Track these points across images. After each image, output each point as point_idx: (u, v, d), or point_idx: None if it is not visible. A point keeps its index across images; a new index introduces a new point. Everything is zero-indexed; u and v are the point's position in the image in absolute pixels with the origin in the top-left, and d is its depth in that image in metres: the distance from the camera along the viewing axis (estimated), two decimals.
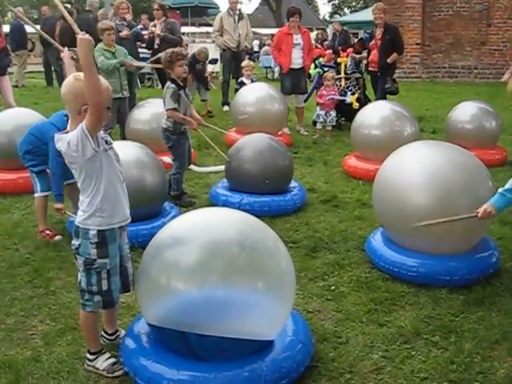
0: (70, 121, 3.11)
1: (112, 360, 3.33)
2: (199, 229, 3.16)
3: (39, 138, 5.17)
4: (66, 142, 3.00)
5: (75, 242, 3.19)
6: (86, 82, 2.86)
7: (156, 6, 11.80)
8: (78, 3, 49.56)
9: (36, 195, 5.36)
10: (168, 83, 6.27)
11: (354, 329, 3.77)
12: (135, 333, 3.33)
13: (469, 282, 4.27)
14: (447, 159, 4.43)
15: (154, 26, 11.61)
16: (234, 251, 3.04)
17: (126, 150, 5.03)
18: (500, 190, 3.95)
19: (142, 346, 3.21)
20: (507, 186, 3.91)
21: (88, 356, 3.36)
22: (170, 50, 6.26)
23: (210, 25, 31.10)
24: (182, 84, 6.30)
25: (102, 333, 3.57)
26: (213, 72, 16.93)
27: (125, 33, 10.34)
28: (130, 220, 3.33)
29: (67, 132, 3.06)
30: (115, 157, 3.22)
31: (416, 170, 4.44)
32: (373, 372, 3.31)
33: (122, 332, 3.60)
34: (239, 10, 12.52)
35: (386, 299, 4.15)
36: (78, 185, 3.17)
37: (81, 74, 2.97)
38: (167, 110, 6.19)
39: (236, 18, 12.21)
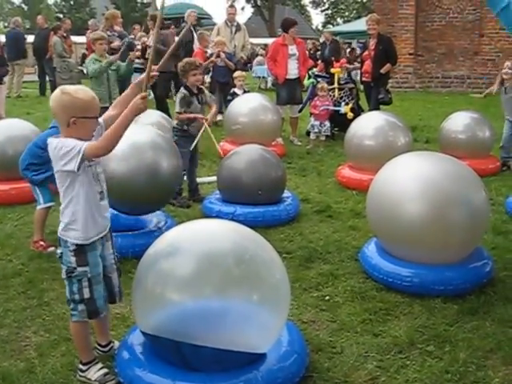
0: (61, 131, 3.15)
1: (104, 370, 3.32)
2: (194, 239, 3.16)
3: (44, 148, 5.14)
4: (53, 146, 3.07)
5: (58, 251, 3.25)
6: (113, 133, 3.01)
7: (149, 17, 11.87)
8: (70, 13, 49.71)
9: (39, 207, 5.32)
10: (181, 89, 6.69)
11: (349, 339, 3.77)
12: (130, 343, 3.32)
13: (463, 291, 4.27)
14: (441, 170, 4.44)
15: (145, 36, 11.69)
16: (230, 263, 3.03)
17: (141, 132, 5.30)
18: None
19: (137, 357, 3.20)
20: None
21: (80, 366, 3.35)
22: (184, 60, 6.72)
23: None
24: (195, 91, 6.67)
25: (96, 345, 3.57)
26: (204, 82, 16.90)
27: (116, 43, 10.36)
28: (106, 231, 3.33)
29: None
30: (96, 175, 3.21)
31: (410, 180, 4.45)
32: (367, 382, 3.31)
33: (116, 343, 3.59)
34: (237, 21, 12.60)
35: (381, 309, 4.15)
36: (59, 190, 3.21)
37: (67, 87, 3.13)
38: (176, 113, 6.72)
39: (233, 29, 12.31)
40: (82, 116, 3.07)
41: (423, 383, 3.27)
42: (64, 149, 3.02)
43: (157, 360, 3.13)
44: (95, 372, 3.31)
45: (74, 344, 3.47)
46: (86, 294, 3.21)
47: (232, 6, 12.90)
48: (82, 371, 3.33)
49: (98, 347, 3.56)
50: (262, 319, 3.06)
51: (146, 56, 11.06)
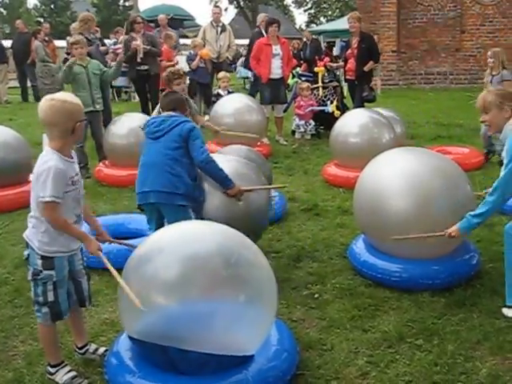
0: (55, 141, 3.17)
1: (72, 373, 3.35)
2: (180, 242, 3.16)
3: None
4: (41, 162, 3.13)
5: (25, 253, 3.28)
6: (66, 231, 3.18)
7: (129, 20, 11.90)
8: (51, 17, 49.45)
9: None
10: None
11: (339, 335, 3.80)
12: (120, 349, 3.31)
13: (450, 284, 4.32)
14: (426, 165, 4.47)
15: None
16: (216, 264, 3.02)
17: None
18: (467, 214, 4.03)
19: (127, 363, 3.19)
20: (476, 211, 4.00)
21: (48, 369, 3.38)
22: (168, 69, 6.53)
23: (187, 36, 31.03)
24: None
25: (74, 346, 3.60)
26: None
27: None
28: (76, 249, 3.35)
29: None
30: (77, 199, 3.27)
31: (396, 176, 4.48)
32: (358, 377, 3.34)
33: (101, 349, 3.60)
34: (222, 22, 12.66)
35: (370, 305, 4.19)
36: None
37: (59, 96, 3.17)
38: None
39: (219, 29, 12.40)
40: (82, 119, 3.22)
41: (413, 376, 3.31)
42: (40, 177, 3.08)
43: (147, 365, 3.12)
44: (63, 375, 3.34)
45: (42, 346, 3.49)
46: (50, 297, 3.25)
47: (217, 6, 12.97)
48: (51, 374, 3.37)
49: (76, 349, 3.60)
50: (250, 320, 3.05)
51: (138, 60, 10.93)
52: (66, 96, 3.21)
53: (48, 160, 3.10)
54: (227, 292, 3.00)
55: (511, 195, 3.98)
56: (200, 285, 2.97)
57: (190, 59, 12.03)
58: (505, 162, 3.84)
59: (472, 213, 4.00)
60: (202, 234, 3.21)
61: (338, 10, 63.88)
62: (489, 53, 8.67)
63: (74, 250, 3.32)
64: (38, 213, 3.16)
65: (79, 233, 3.23)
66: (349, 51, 10.09)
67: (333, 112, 10.23)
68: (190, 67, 12.04)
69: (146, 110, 10.86)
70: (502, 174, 3.86)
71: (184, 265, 3.01)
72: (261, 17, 12.19)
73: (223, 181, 4.50)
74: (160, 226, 4.35)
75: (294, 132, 10.66)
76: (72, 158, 3.26)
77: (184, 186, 4.36)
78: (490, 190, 3.95)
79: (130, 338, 3.17)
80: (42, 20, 27.20)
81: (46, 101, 3.15)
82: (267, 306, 3.16)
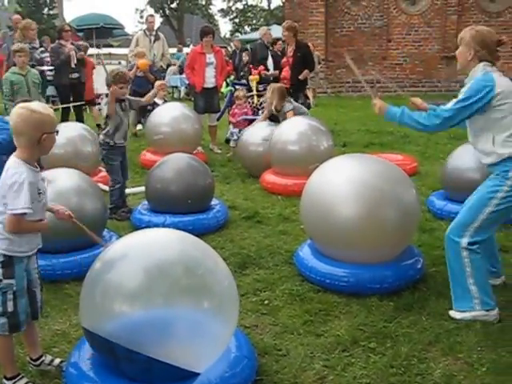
0: (22, 149, 3.12)
1: None
2: (140, 250, 3.12)
3: None
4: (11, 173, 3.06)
5: None
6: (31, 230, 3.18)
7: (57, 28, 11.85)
8: None
9: None
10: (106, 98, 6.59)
11: (293, 341, 3.83)
12: (78, 359, 3.23)
13: (397, 288, 4.42)
14: (372, 171, 4.55)
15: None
16: (177, 272, 3.01)
17: (65, 177, 5.09)
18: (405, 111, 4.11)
19: (86, 373, 3.12)
20: (413, 116, 4.06)
21: (5, 382, 3.29)
22: (116, 71, 6.67)
23: (111, 45, 30.71)
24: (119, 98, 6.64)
25: (28, 358, 3.51)
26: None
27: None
28: (39, 247, 3.33)
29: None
30: (43, 206, 3.25)
31: (343, 182, 4.54)
32: (317, 381, 3.38)
33: (49, 358, 3.52)
34: (156, 31, 12.62)
35: (320, 310, 4.24)
36: None
37: (30, 105, 3.13)
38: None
39: (152, 38, 12.33)
40: (51, 131, 3.13)
41: (370, 379, 3.37)
42: (7, 183, 3.03)
43: (107, 374, 3.07)
44: None
45: None
46: (10, 307, 3.17)
47: (151, 15, 12.95)
48: None
49: (30, 361, 3.51)
50: (212, 329, 3.03)
51: (72, 65, 10.77)
52: (38, 106, 3.15)
53: (20, 172, 3.04)
54: (190, 299, 2.99)
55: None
56: (163, 293, 2.94)
57: (130, 68, 11.91)
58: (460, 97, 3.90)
59: (411, 111, 4.07)
60: (163, 241, 3.20)
61: (262, 19, 64.35)
62: (269, 87, 9.04)
63: (34, 249, 3.26)
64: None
65: (41, 224, 3.22)
66: (284, 59, 10.20)
67: None
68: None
69: (66, 119, 10.78)
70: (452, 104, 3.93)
71: (147, 273, 2.97)
72: (263, 29, 12.29)
73: None
74: None
75: (228, 140, 10.68)
76: (37, 167, 3.21)
77: None
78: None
79: (83, 328, 3.12)
80: None
81: (16, 109, 3.12)
82: (230, 312, 3.17)
